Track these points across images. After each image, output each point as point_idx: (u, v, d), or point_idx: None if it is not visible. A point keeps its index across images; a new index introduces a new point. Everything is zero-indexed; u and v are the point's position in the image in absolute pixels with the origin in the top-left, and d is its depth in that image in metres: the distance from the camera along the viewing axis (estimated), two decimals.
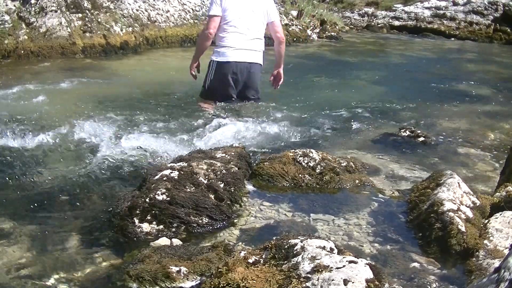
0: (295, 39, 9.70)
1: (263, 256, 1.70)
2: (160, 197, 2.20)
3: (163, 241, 2.03)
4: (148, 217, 2.16)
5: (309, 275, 1.53)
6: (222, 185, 2.36)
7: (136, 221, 2.15)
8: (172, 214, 2.17)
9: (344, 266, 1.54)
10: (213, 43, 4.25)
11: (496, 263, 1.79)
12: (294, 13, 10.93)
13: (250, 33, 4.09)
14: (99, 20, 7.22)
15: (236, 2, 4.03)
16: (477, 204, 2.26)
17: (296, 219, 2.31)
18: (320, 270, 1.53)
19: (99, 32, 7.10)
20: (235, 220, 2.28)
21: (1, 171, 2.80)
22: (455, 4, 13.79)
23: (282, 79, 4.44)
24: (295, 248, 1.67)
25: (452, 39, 12.58)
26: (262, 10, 4.13)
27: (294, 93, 5.21)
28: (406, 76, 6.94)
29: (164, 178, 2.31)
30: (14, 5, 6.63)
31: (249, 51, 4.11)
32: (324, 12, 11.91)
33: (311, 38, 10.33)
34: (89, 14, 7.18)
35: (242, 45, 4.06)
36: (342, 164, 2.83)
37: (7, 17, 6.42)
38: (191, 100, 4.65)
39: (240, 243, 2.08)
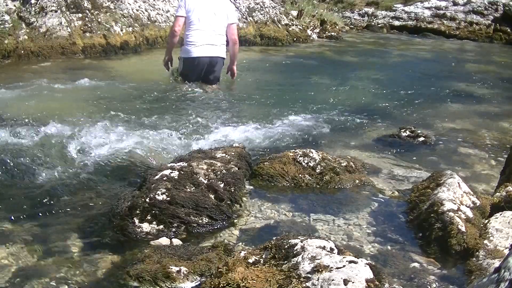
0: (295, 39, 9.68)
1: (263, 256, 1.70)
2: (160, 197, 2.20)
3: (163, 241, 2.03)
4: (148, 217, 2.16)
5: (309, 275, 1.53)
6: (222, 185, 2.36)
7: (136, 221, 2.15)
8: (172, 214, 2.17)
9: (344, 266, 1.54)
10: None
11: (496, 263, 1.79)
12: (294, 13, 10.93)
13: (211, 30, 4.76)
14: (99, 20, 7.21)
15: (199, 5, 4.72)
16: (477, 204, 2.27)
17: (296, 219, 2.31)
18: (320, 270, 1.53)
19: (99, 32, 7.09)
20: (235, 220, 2.28)
21: (1, 171, 2.80)
22: (455, 4, 13.77)
23: (235, 74, 5.30)
24: (295, 248, 1.67)
25: (452, 39, 12.57)
26: (223, 13, 4.85)
27: (294, 93, 5.21)
28: (406, 76, 6.94)
29: (164, 178, 2.31)
30: (14, 5, 6.63)
31: (210, 45, 4.78)
32: (324, 12, 11.90)
33: (311, 38, 10.32)
34: (89, 14, 7.18)
35: (203, 41, 4.74)
36: (342, 164, 2.83)
37: (7, 17, 6.41)
38: (191, 100, 4.66)
39: (240, 243, 2.08)
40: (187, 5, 4.70)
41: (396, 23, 13.76)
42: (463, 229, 2.01)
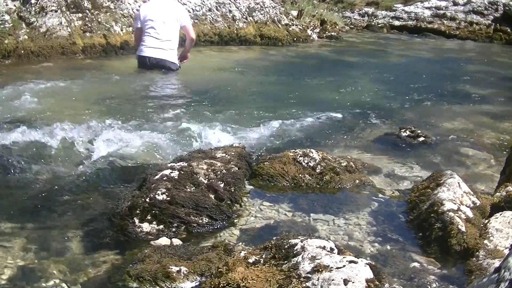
0: (295, 39, 9.67)
1: (263, 256, 1.70)
2: (160, 197, 2.20)
3: (163, 241, 2.03)
4: (148, 217, 2.16)
5: (309, 275, 1.53)
6: (222, 185, 2.36)
7: (136, 221, 2.15)
8: (172, 214, 2.17)
9: (344, 266, 1.54)
10: None
11: (496, 263, 1.79)
12: (294, 13, 10.92)
13: (161, 37, 5.59)
14: (99, 20, 7.21)
15: (151, 15, 5.57)
16: (477, 204, 2.27)
17: (296, 219, 2.31)
18: (320, 270, 1.53)
19: (99, 32, 7.09)
20: (235, 220, 2.28)
21: (1, 171, 2.80)
22: (455, 4, 13.77)
23: (187, 59, 6.03)
24: (295, 248, 1.67)
25: (452, 39, 12.58)
26: (174, 19, 5.62)
27: (294, 93, 5.21)
28: (406, 76, 6.93)
29: (164, 178, 2.31)
30: (14, 5, 6.63)
31: (159, 49, 5.62)
32: (324, 12, 11.89)
33: (311, 38, 10.32)
34: (89, 14, 7.18)
35: (153, 45, 5.60)
36: (342, 164, 2.83)
37: (7, 17, 6.41)
38: (191, 100, 4.66)
39: (240, 243, 2.08)
40: (141, 16, 5.61)
41: (396, 23, 13.76)
42: (463, 229, 2.01)
